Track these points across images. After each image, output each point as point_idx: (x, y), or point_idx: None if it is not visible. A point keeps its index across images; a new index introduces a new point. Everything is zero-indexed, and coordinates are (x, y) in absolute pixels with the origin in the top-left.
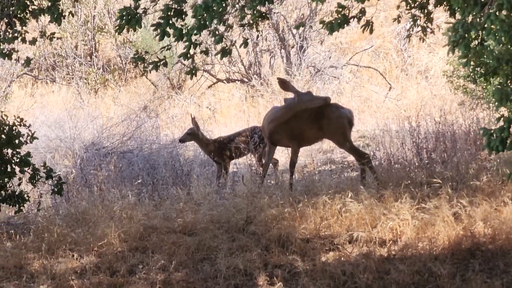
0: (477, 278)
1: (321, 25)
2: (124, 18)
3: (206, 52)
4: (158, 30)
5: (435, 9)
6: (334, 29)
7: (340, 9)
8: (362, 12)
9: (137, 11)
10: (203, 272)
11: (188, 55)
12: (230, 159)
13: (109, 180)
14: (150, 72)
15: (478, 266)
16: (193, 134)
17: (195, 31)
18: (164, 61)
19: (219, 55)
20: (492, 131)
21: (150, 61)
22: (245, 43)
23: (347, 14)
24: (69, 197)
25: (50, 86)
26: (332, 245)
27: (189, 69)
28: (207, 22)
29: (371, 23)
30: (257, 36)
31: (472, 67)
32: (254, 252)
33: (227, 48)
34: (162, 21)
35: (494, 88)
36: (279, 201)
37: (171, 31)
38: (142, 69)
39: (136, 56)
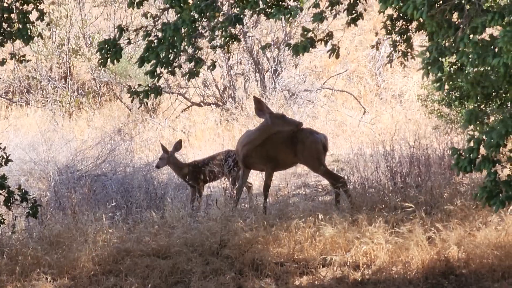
0: None
1: (287, 48)
2: (104, 51)
3: (172, 72)
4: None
5: (415, 34)
6: (299, 52)
7: (305, 32)
8: (329, 35)
9: (118, 42)
10: None
11: (155, 74)
12: (205, 183)
13: (83, 203)
14: (147, 104)
15: None
16: (167, 159)
17: (163, 52)
18: (151, 88)
19: (186, 76)
20: (461, 151)
21: (141, 89)
22: (213, 65)
23: (313, 37)
24: (43, 220)
25: (25, 109)
26: (306, 269)
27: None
28: (176, 44)
29: (337, 48)
30: (229, 58)
31: (446, 91)
32: (227, 276)
33: (194, 70)
34: (148, 50)
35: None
36: (253, 224)
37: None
38: (139, 102)
39: (131, 90)
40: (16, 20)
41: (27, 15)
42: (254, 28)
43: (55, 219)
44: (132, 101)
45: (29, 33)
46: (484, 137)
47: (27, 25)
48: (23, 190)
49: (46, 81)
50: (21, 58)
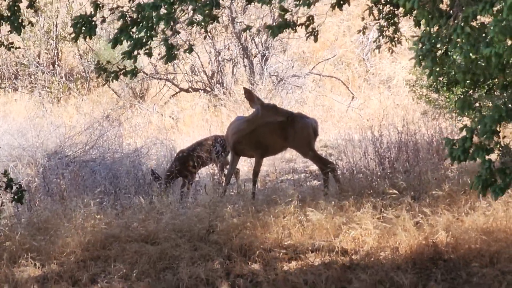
0: None
1: (266, 29)
2: (78, 26)
3: (149, 54)
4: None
5: (401, 19)
6: (275, 33)
7: (283, 13)
8: (310, 19)
9: (93, 19)
10: (165, 281)
11: (132, 55)
12: (193, 169)
13: (71, 189)
14: (112, 82)
15: (440, 275)
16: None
17: (142, 32)
18: (124, 70)
19: (163, 59)
20: (454, 141)
21: (111, 70)
22: (190, 49)
23: (289, 19)
24: (31, 205)
25: (13, 94)
26: (294, 254)
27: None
28: (154, 24)
29: (316, 32)
30: (205, 37)
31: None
32: (216, 262)
33: (172, 53)
34: (122, 31)
35: (456, 97)
36: (241, 210)
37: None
38: (104, 79)
39: (98, 66)
40: (6, 8)
41: (17, 3)
42: (242, 14)
43: (44, 204)
44: (98, 77)
45: (20, 22)
46: (478, 126)
47: (18, 13)
48: (9, 176)
49: (35, 67)
50: (10, 45)
